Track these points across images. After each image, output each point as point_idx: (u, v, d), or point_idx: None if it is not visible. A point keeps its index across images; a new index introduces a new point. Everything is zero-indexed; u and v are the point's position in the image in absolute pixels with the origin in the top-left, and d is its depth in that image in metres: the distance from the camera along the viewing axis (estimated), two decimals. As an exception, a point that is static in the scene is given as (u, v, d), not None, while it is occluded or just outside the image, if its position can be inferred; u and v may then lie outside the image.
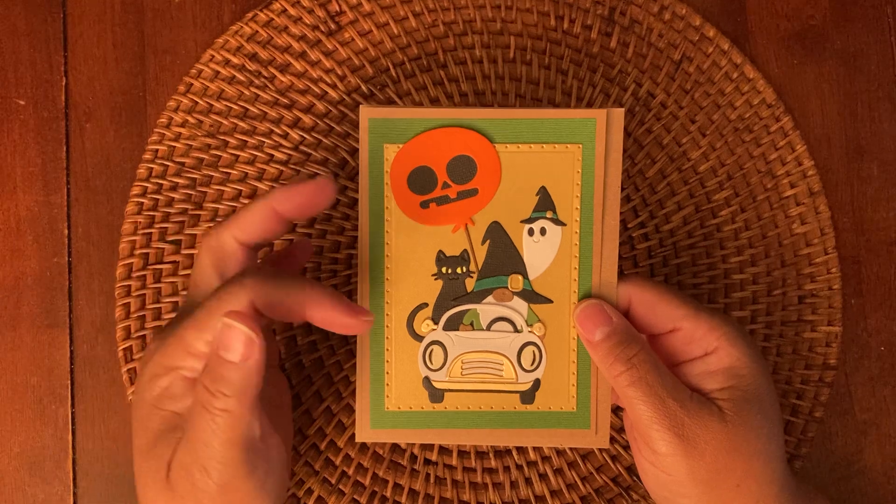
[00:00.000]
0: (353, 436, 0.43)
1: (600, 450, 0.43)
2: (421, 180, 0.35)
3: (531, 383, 0.36)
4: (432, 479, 0.42)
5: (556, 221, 0.36)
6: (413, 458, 0.43)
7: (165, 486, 0.32)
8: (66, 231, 0.44)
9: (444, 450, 0.43)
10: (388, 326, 0.36)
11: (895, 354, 0.44)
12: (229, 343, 0.30)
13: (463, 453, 0.43)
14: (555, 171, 0.35)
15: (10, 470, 0.43)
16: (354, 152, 0.44)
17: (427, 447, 0.42)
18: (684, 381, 0.35)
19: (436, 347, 0.36)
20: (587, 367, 0.36)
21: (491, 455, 0.43)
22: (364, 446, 0.43)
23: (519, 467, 0.42)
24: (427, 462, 0.43)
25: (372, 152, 0.35)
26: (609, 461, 0.43)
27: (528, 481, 0.42)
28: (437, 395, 0.36)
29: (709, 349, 0.35)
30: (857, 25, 0.46)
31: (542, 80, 0.45)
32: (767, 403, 0.35)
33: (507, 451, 0.43)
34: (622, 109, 0.35)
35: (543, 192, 0.36)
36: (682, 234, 0.44)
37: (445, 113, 0.35)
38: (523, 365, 0.36)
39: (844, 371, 0.44)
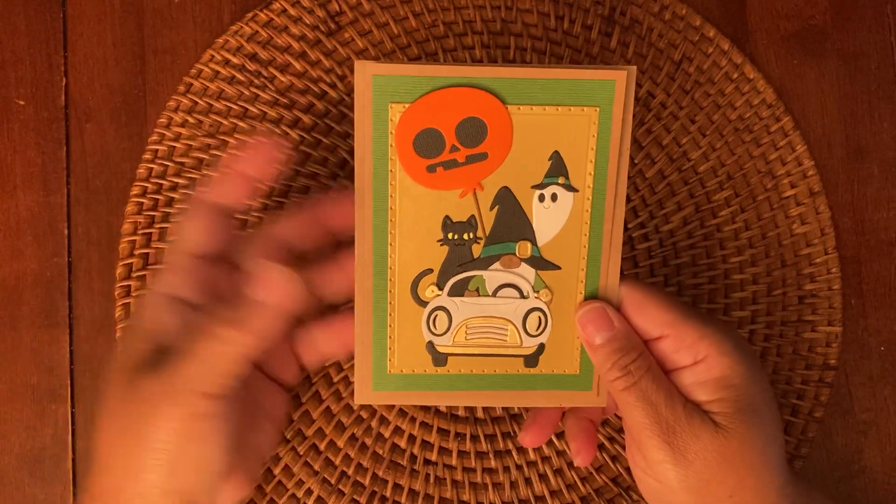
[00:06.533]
0: (353, 436, 0.42)
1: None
2: (428, 143, 0.33)
3: (535, 347, 0.36)
4: (432, 480, 0.42)
5: (569, 187, 0.34)
6: (413, 458, 0.43)
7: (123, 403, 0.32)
8: (66, 231, 0.44)
9: (443, 450, 0.43)
10: (391, 291, 0.35)
11: (895, 354, 0.44)
12: (262, 283, 0.31)
13: (463, 453, 0.43)
14: (569, 135, 0.34)
15: (10, 470, 0.43)
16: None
17: (427, 447, 0.42)
18: (678, 390, 0.35)
19: (440, 313, 0.35)
20: None
21: (491, 455, 0.43)
22: (364, 446, 0.42)
23: (519, 467, 0.42)
24: (427, 462, 0.43)
25: (376, 112, 0.33)
26: (609, 461, 0.43)
27: (527, 481, 0.42)
28: (440, 358, 0.36)
29: (698, 358, 0.34)
30: (857, 25, 0.46)
31: (542, 80, 0.45)
32: (764, 412, 0.34)
33: (507, 452, 0.43)
34: (635, 67, 0.33)
35: (556, 157, 0.34)
36: (682, 235, 0.44)
37: (455, 71, 0.33)
38: (528, 330, 0.36)
39: (844, 371, 0.44)
